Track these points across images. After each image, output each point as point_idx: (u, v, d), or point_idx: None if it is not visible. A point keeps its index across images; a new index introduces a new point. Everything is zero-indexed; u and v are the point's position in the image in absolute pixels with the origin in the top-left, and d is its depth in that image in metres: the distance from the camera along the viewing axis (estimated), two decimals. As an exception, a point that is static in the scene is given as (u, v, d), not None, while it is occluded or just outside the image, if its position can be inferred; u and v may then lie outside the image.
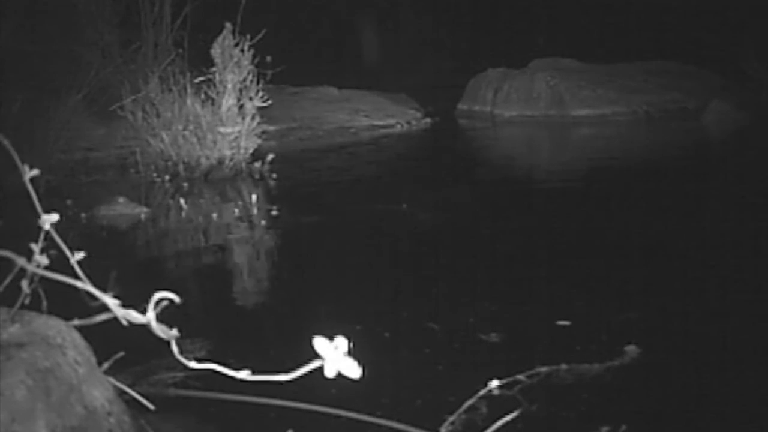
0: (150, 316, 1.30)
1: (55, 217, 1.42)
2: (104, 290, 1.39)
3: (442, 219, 5.17)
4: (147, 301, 1.37)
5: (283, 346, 3.10)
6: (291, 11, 12.68)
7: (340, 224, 5.13)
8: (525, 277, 3.99)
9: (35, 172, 1.37)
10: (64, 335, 1.79)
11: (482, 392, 2.40)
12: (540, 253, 4.44)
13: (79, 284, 1.37)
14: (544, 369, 2.67)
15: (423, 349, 3.06)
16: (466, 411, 2.36)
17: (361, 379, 1.26)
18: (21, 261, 1.39)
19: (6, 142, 1.34)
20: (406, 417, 2.37)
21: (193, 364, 1.43)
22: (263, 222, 5.25)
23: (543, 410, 2.47)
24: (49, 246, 1.54)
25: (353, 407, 2.38)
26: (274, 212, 5.40)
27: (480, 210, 5.45)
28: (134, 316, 1.35)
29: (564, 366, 2.72)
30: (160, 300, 1.32)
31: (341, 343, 1.25)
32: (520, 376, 2.55)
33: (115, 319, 1.42)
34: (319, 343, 1.24)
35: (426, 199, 5.63)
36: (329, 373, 1.24)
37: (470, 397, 2.40)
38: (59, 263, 1.52)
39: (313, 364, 1.26)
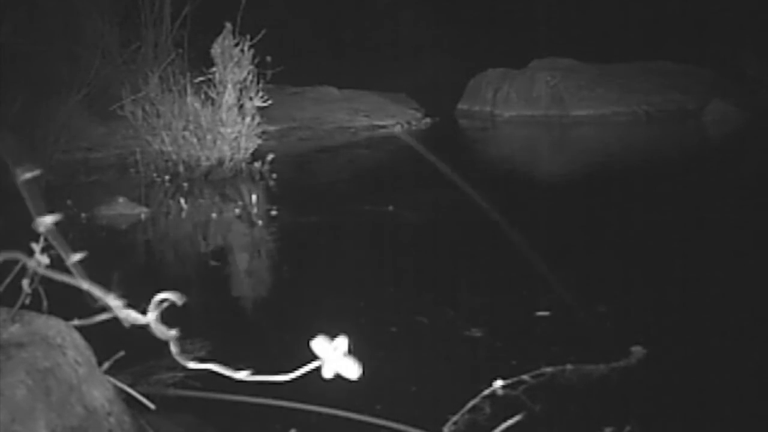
0: (150, 317, 1.30)
1: (50, 219, 1.41)
2: (106, 290, 1.39)
3: (429, 220, 5.18)
4: (147, 301, 1.37)
5: (284, 344, 3.11)
6: (291, 11, 12.68)
7: (337, 225, 5.13)
8: (504, 273, 4.06)
9: (32, 173, 1.37)
10: (64, 335, 1.79)
11: (486, 392, 2.40)
12: (523, 250, 4.46)
13: (83, 284, 1.37)
14: (549, 369, 2.67)
15: (416, 341, 3.15)
16: (469, 411, 2.36)
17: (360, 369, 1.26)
18: (29, 261, 1.39)
19: (2, 145, 1.34)
20: (400, 404, 2.38)
21: (192, 365, 1.43)
22: (263, 222, 5.25)
23: (547, 410, 2.47)
24: (49, 246, 1.54)
25: (352, 396, 2.38)
26: (273, 212, 5.41)
27: (471, 210, 5.45)
28: (135, 316, 1.35)
29: (569, 366, 2.72)
30: (162, 301, 1.32)
31: (340, 343, 1.25)
32: (524, 376, 2.55)
33: (116, 319, 1.42)
34: (318, 343, 1.24)
35: (419, 200, 5.65)
36: (327, 373, 1.24)
37: (473, 396, 2.39)
38: (60, 263, 1.52)
39: (312, 365, 1.26)
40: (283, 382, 1.36)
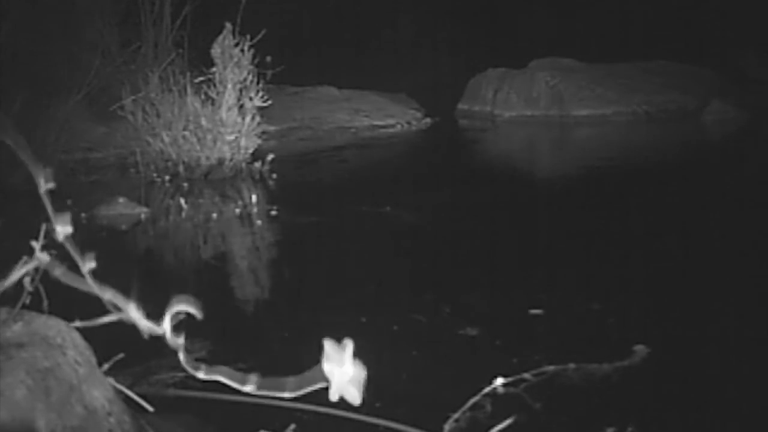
0: (165, 328, 1.31)
1: (69, 229, 1.41)
2: (124, 298, 1.39)
3: (426, 220, 5.18)
4: (148, 302, 1.37)
5: (285, 342, 3.12)
6: (291, 10, 12.68)
7: (336, 225, 5.13)
8: (503, 272, 4.08)
9: (51, 185, 1.37)
10: (64, 335, 1.79)
11: (486, 390, 2.40)
12: (511, 251, 4.48)
13: (106, 294, 1.37)
14: (551, 368, 2.67)
15: (415, 340, 3.18)
16: (470, 409, 2.36)
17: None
18: (39, 262, 1.39)
19: (16, 145, 1.33)
20: (401, 401, 2.38)
21: (201, 375, 1.43)
22: (263, 222, 5.25)
23: (549, 409, 2.47)
24: (49, 245, 1.54)
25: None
26: (273, 212, 5.41)
27: (465, 212, 5.46)
28: (148, 325, 1.35)
29: (571, 365, 2.73)
30: (177, 313, 1.33)
31: (349, 369, 1.26)
32: (526, 375, 2.55)
33: (116, 320, 1.42)
34: (328, 364, 1.25)
35: (417, 200, 5.66)
36: (333, 397, 1.26)
37: (471, 393, 2.39)
38: (63, 264, 1.52)
39: (318, 385, 1.28)
40: (287, 378, 1.36)
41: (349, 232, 4.97)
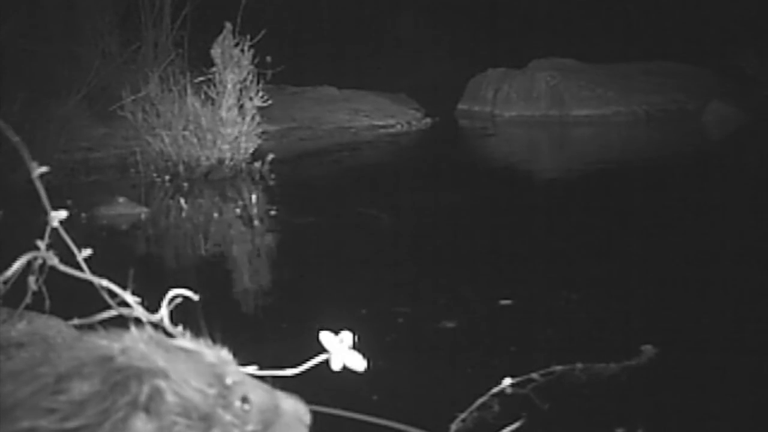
0: (163, 313, 1.31)
1: (63, 214, 1.42)
2: (121, 287, 1.39)
3: (419, 222, 5.21)
4: (148, 300, 1.37)
5: (284, 336, 3.13)
6: (291, 10, 12.69)
7: (333, 227, 5.13)
8: (468, 272, 4.14)
9: (43, 169, 1.37)
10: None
11: (495, 390, 2.39)
12: (509, 251, 4.50)
13: (103, 282, 1.37)
14: (558, 368, 2.66)
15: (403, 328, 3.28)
16: (477, 409, 2.36)
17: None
18: (43, 257, 1.39)
19: (18, 142, 1.33)
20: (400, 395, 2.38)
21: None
22: (262, 222, 5.25)
23: (556, 409, 2.47)
24: (50, 244, 1.54)
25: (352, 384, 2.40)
26: (273, 212, 5.41)
27: (463, 212, 5.46)
28: (145, 314, 1.35)
29: (579, 365, 2.72)
30: (173, 298, 1.33)
31: (346, 336, 1.26)
32: (534, 375, 2.54)
33: (116, 318, 1.42)
34: (325, 337, 1.25)
35: (413, 201, 5.67)
36: (335, 366, 1.25)
37: (482, 395, 2.39)
38: (63, 261, 1.52)
39: (321, 358, 1.27)
40: (290, 376, 1.36)
41: (346, 233, 4.96)
